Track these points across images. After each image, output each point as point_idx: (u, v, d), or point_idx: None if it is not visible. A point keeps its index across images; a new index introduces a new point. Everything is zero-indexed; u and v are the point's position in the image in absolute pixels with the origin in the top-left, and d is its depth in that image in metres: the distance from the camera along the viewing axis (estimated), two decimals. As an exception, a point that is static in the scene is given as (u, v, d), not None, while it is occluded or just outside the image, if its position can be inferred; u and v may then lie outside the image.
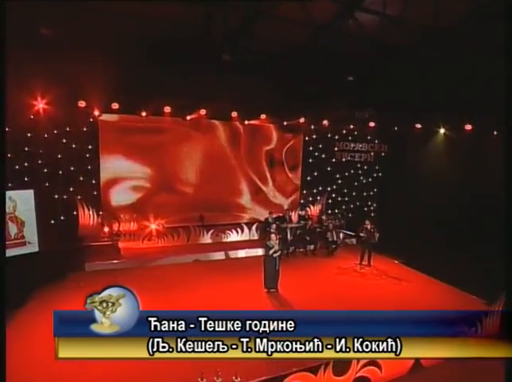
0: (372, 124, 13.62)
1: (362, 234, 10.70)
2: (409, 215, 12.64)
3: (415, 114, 12.30)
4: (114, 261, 9.86)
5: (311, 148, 14.47)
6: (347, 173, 15.17)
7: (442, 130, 12.20)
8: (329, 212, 14.32)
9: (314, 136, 14.30)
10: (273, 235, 8.43)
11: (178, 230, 11.59)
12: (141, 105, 10.93)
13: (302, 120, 13.45)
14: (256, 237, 12.48)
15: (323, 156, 14.66)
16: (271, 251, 8.23)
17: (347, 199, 15.35)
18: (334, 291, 8.83)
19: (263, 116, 12.67)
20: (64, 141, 10.64)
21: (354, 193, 15.39)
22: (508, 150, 6.04)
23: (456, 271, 9.38)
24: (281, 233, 10.61)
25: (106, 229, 10.73)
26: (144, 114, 11.04)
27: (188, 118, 11.82)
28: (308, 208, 14.01)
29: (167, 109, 11.29)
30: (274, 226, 8.93)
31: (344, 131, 14.38)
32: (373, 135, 13.90)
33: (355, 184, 15.34)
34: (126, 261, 9.97)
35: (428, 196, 12.54)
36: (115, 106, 10.63)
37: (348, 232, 13.26)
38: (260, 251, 11.15)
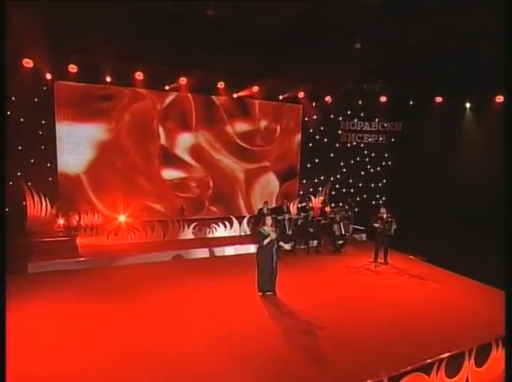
0: (383, 99, 12.14)
1: (376, 224, 9.18)
2: (427, 208, 11.12)
3: (434, 85, 10.80)
4: (69, 260, 8.18)
5: (311, 130, 13.02)
6: (352, 161, 13.69)
7: (468, 104, 10.65)
8: (333, 205, 12.83)
9: (315, 116, 12.84)
10: (268, 219, 6.84)
11: (152, 223, 9.95)
12: (106, 69, 9.33)
13: (301, 95, 11.99)
14: (248, 232, 10.88)
15: (326, 140, 13.22)
16: (266, 241, 6.63)
17: (352, 190, 13.87)
18: (348, 294, 7.28)
19: (255, 89, 11.15)
20: (9, 113, 8.97)
21: (360, 184, 13.90)
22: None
23: (490, 269, 7.91)
24: (279, 226, 9.04)
25: (61, 222, 9.03)
26: (109, 79, 9.46)
27: (167, 88, 10.28)
28: (308, 200, 12.52)
29: (139, 76, 9.73)
30: (270, 220, 7.20)
31: (349, 111, 12.90)
32: (384, 112, 12.37)
33: (362, 173, 13.85)
34: (84, 260, 8.31)
35: (449, 186, 10.98)
36: (73, 69, 9.02)
37: (357, 227, 11.72)
38: (252, 248, 9.59)
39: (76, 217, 9.51)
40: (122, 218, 9.79)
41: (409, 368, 4.34)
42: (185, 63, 9.59)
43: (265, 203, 10.64)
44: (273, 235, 6.69)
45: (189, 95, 10.77)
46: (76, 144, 9.83)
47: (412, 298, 7.13)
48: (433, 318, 6.20)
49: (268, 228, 6.78)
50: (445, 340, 5.36)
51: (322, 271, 8.72)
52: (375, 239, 9.38)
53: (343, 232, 10.19)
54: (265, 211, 10.16)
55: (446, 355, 4.64)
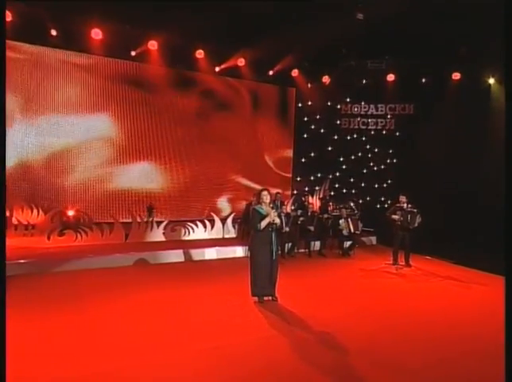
0: (391, 77, 10.94)
1: (396, 216, 7.69)
2: (445, 208, 9.79)
3: (450, 58, 9.68)
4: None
5: (306, 118, 11.71)
6: (353, 157, 12.35)
7: (492, 80, 9.48)
8: (331, 206, 11.33)
9: (309, 102, 11.56)
10: (266, 195, 5.21)
11: (110, 222, 8.13)
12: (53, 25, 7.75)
13: (295, 73, 10.70)
14: (233, 234, 9.20)
15: (323, 130, 11.91)
16: (263, 223, 4.98)
17: (354, 191, 12.47)
18: (371, 298, 5.68)
19: (241, 61, 9.78)
20: None
21: (363, 184, 12.53)
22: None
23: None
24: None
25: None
26: (55, 33, 7.87)
27: (133, 53, 8.78)
28: (305, 196, 11.03)
29: (96, 34, 8.17)
30: (268, 196, 5.48)
31: (351, 92, 11.66)
32: (392, 93, 11.11)
33: (364, 171, 12.51)
34: (12, 264, 6.37)
35: (470, 182, 9.64)
36: (8, 17, 7.35)
37: (365, 228, 10.21)
38: (240, 251, 7.97)
39: (7, 213, 7.59)
40: (69, 214, 7.95)
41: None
42: (155, 19, 8.16)
43: (255, 196, 9.06)
44: (274, 216, 5.06)
45: (162, 65, 9.27)
46: (13, 123, 8.07)
47: (459, 305, 5.57)
48: (493, 331, 4.59)
49: (266, 206, 5.16)
50: None
51: (331, 274, 7.16)
52: (394, 234, 7.83)
53: (352, 230, 8.62)
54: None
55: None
